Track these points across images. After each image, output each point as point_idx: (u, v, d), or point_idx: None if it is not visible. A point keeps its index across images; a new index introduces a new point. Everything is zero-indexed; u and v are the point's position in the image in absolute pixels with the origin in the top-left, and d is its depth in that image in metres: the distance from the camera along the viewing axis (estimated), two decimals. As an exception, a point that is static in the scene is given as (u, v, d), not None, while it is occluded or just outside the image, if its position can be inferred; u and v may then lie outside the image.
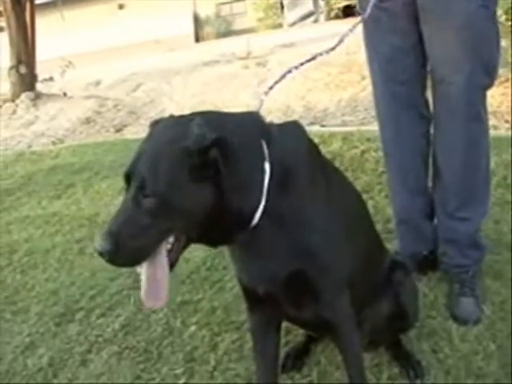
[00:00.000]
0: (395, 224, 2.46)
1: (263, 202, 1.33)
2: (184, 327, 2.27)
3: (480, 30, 1.93)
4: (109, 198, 3.65)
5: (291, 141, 1.42)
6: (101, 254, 1.21)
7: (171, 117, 1.39)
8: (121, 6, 22.57)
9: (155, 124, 1.38)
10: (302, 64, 1.70)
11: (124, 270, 2.71)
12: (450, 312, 2.11)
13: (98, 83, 9.59)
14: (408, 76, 2.11)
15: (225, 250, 2.70)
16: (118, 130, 6.08)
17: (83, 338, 2.30)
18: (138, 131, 5.73)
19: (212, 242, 1.41)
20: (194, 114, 1.35)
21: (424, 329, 2.04)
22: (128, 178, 1.27)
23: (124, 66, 10.45)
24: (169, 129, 1.32)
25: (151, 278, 1.29)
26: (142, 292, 1.30)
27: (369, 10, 1.87)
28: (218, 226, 1.30)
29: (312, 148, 1.50)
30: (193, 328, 2.25)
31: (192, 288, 2.51)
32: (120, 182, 3.82)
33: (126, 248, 1.22)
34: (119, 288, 2.58)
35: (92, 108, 7.21)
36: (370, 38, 2.16)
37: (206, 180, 1.24)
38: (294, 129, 1.47)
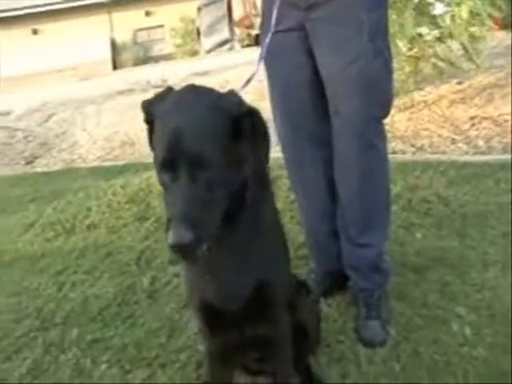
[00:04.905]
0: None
1: None
2: (94, 366, 2.19)
3: (368, 65, 1.99)
4: (16, 235, 3.52)
5: None
6: (181, 246, 1.16)
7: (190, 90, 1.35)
8: (35, 31, 21.79)
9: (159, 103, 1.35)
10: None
11: (30, 310, 2.62)
12: (358, 335, 2.16)
13: (8, 113, 9.26)
14: (305, 107, 2.16)
15: (136, 284, 2.68)
16: (28, 163, 5.90)
17: (-14, 385, 2.18)
18: (49, 163, 5.59)
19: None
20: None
21: (333, 354, 2.07)
22: (171, 163, 1.22)
23: (36, 95, 10.18)
24: (200, 98, 1.30)
25: None
26: None
27: (264, 50, 1.92)
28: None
29: None
30: (103, 367, 2.18)
31: (103, 325, 2.43)
32: (28, 218, 3.73)
33: (206, 231, 1.20)
34: (25, 330, 2.47)
35: (1, 139, 6.97)
36: (269, 70, 2.20)
37: (243, 145, 1.29)
38: None
